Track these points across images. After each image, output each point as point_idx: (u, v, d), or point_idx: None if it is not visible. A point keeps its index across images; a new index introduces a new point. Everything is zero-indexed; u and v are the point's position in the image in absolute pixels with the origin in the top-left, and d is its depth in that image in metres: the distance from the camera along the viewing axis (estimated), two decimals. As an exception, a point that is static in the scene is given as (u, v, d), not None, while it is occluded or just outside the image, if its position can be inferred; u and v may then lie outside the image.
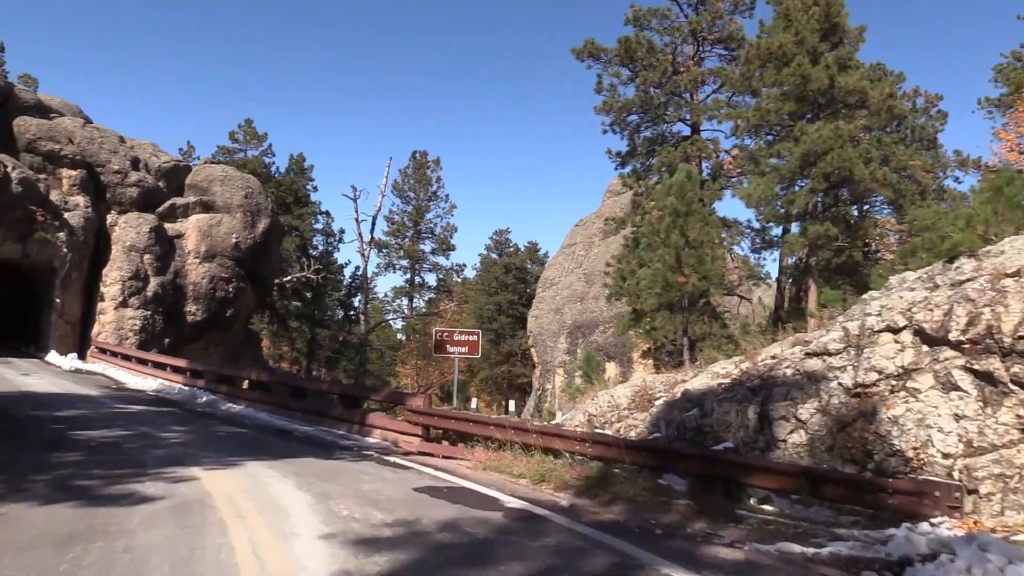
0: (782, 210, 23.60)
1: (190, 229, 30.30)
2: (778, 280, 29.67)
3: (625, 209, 33.61)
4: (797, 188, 22.35)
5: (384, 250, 51.61)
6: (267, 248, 32.63)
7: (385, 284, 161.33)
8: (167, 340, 28.26)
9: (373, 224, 35.95)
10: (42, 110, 28.59)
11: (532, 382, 43.20)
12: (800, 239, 21.44)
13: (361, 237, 34.54)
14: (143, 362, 22.18)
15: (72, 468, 8.08)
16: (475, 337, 16.21)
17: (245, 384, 18.18)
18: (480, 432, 10.73)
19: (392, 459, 10.60)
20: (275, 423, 13.98)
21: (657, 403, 10.89)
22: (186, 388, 18.64)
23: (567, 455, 9.65)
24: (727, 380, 10.08)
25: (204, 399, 17.16)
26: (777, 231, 27.04)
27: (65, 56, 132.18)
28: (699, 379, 10.86)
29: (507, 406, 33.38)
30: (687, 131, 29.22)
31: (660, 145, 28.04)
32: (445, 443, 11.64)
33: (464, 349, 15.62)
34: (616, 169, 30.75)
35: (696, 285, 14.91)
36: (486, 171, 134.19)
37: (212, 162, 32.88)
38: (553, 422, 12.30)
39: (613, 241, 37.92)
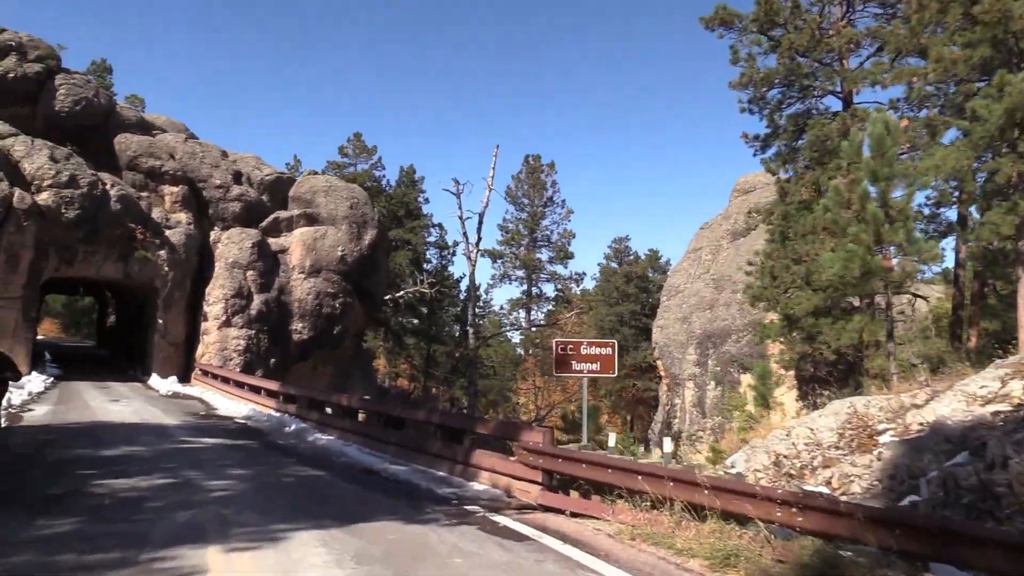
0: (956, 191, 19.29)
1: (294, 243, 28.80)
2: (955, 274, 25.02)
3: (757, 206, 29.95)
4: (983, 161, 17.99)
5: (499, 260, 49.20)
6: (375, 261, 30.76)
7: (501, 296, 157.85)
8: (273, 360, 26.73)
9: (480, 223, 32.38)
10: (144, 127, 27.90)
11: (659, 396, 39.73)
12: (1008, 218, 16.96)
13: (467, 237, 31.33)
14: (240, 385, 20.41)
15: (34, 551, 5.58)
16: (609, 350, 12.69)
17: (344, 405, 15.81)
18: (624, 483, 7.60)
19: (502, 520, 7.65)
20: (363, 461, 11.36)
21: (882, 440, 7.41)
22: (276, 415, 16.52)
23: (759, 523, 6.38)
24: (1005, 406, 6.50)
25: (292, 427, 14.91)
26: (951, 215, 22.54)
27: (173, 78, 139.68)
28: (946, 404, 7.31)
29: (644, 435, 29.93)
30: (837, 105, 25.01)
31: (808, 121, 24.00)
32: (574, 494, 8.60)
33: (595, 366, 12.22)
34: (755, 155, 26.87)
35: (909, 269, 11.19)
36: (601, 176, 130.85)
37: (315, 173, 31.43)
38: (730, 468, 8.98)
39: (743, 243, 34.48)
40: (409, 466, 10.86)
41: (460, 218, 30.70)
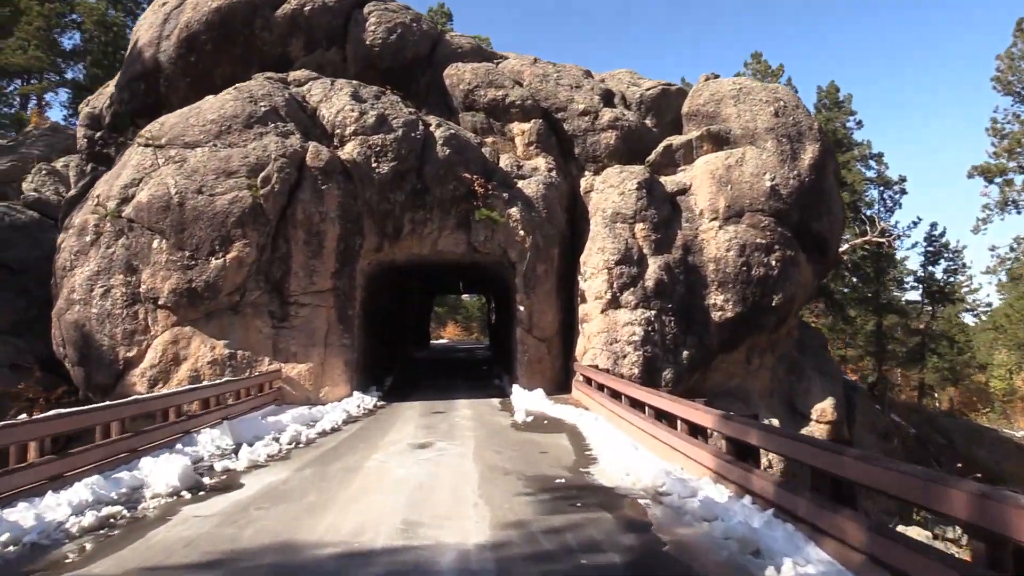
0: None
1: (698, 178, 19.24)
2: None
3: None
4: None
5: (993, 181, 33.62)
6: (820, 189, 19.69)
7: (999, 235, 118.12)
8: (685, 353, 17.53)
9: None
10: (483, 55, 20.91)
11: None
12: None
13: None
14: (638, 405, 11.43)
15: None
16: None
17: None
18: None
19: None
20: None
21: None
22: (715, 496, 6.98)
23: None
24: None
25: (769, 569, 5.19)
26: None
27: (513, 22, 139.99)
28: None
29: None
30: None
31: None
32: None
33: None
34: None
35: None
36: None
37: (715, 76, 21.51)
38: None
39: None
40: None
41: None
